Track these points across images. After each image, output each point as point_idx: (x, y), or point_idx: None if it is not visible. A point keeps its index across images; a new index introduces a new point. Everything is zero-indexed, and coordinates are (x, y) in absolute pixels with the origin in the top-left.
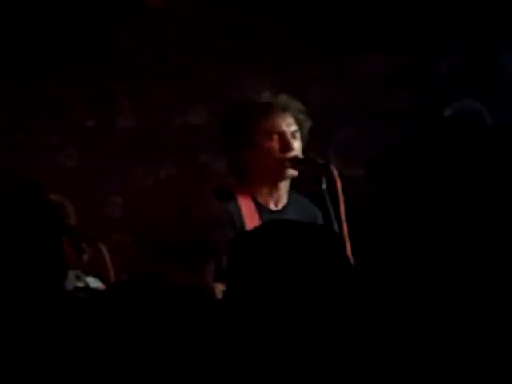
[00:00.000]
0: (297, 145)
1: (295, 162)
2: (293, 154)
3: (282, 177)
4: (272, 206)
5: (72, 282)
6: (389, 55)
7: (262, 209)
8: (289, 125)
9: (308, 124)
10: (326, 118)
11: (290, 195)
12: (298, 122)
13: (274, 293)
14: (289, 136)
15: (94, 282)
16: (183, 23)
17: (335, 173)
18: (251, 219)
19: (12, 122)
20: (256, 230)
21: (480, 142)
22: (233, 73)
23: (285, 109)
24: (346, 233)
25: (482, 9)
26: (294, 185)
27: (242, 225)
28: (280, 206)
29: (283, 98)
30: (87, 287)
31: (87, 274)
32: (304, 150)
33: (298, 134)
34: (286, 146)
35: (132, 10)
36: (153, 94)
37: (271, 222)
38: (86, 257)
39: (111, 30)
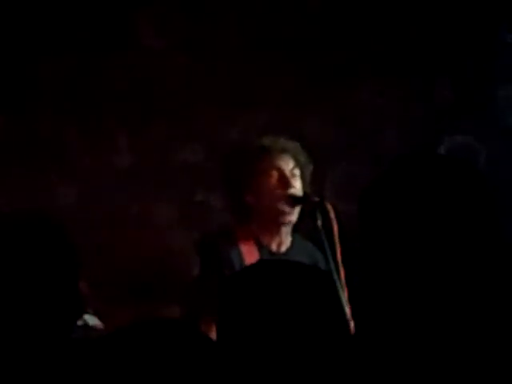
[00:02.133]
0: (296, 183)
1: (292, 200)
2: (292, 190)
3: (282, 222)
4: (274, 248)
5: None
6: (383, 91)
7: (263, 251)
8: (287, 164)
9: (309, 166)
10: (322, 154)
11: (293, 239)
12: (299, 164)
13: (263, 335)
14: (287, 173)
15: (91, 320)
16: (181, 62)
17: (330, 209)
18: (251, 261)
19: (9, 160)
20: (244, 271)
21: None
22: (229, 111)
23: (284, 150)
24: (342, 276)
25: (474, 43)
26: (296, 229)
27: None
28: (283, 249)
29: (283, 141)
30: (85, 325)
31: (85, 312)
32: (306, 191)
33: (297, 173)
34: (285, 183)
35: (130, 48)
36: (148, 132)
37: (261, 262)
38: (86, 296)
39: (109, 68)
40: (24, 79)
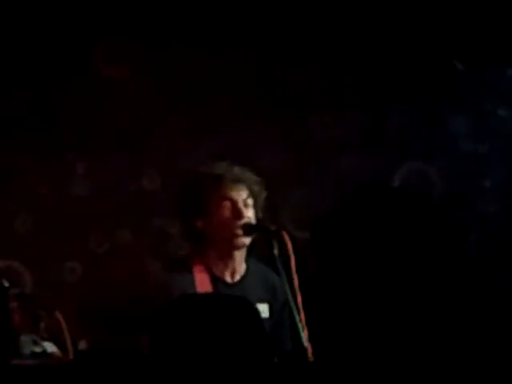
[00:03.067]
0: (249, 213)
1: (247, 229)
2: (244, 221)
3: (235, 246)
4: (228, 279)
5: (29, 346)
6: (339, 118)
7: (217, 282)
8: (240, 193)
9: (263, 194)
10: (276, 182)
11: (248, 264)
12: (252, 192)
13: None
14: (240, 204)
15: (49, 347)
16: (140, 90)
17: (286, 238)
18: (204, 291)
19: None
20: (176, 302)
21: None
22: (185, 139)
23: (237, 179)
24: (299, 302)
25: (427, 71)
26: (250, 252)
27: None
28: (237, 277)
29: (236, 170)
30: (44, 352)
31: (44, 339)
32: (259, 219)
33: (250, 202)
34: (237, 214)
35: (90, 77)
36: (106, 160)
37: (193, 296)
38: (42, 324)
39: (68, 97)
40: None
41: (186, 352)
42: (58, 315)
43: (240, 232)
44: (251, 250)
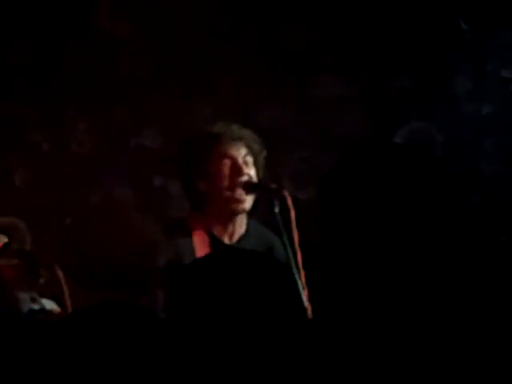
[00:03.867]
0: (249, 171)
1: (248, 187)
2: (244, 178)
3: (236, 210)
4: (226, 240)
5: (27, 304)
6: (340, 79)
7: (215, 242)
8: (240, 151)
9: (263, 153)
10: (277, 142)
11: (248, 225)
12: (252, 151)
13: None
14: (240, 162)
15: (48, 304)
16: (142, 48)
17: (288, 197)
18: (203, 253)
19: None
20: (195, 263)
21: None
22: (189, 94)
23: (237, 137)
24: (300, 261)
25: (430, 31)
26: (251, 214)
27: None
28: (235, 238)
29: (235, 128)
30: (42, 309)
31: (42, 296)
32: (260, 178)
33: (250, 160)
34: (237, 171)
35: (91, 35)
36: (107, 116)
37: (213, 254)
38: (42, 280)
39: (66, 53)
40: None
41: (215, 313)
42: (58, 271)
43: (240, 191)
44: (252, 212)
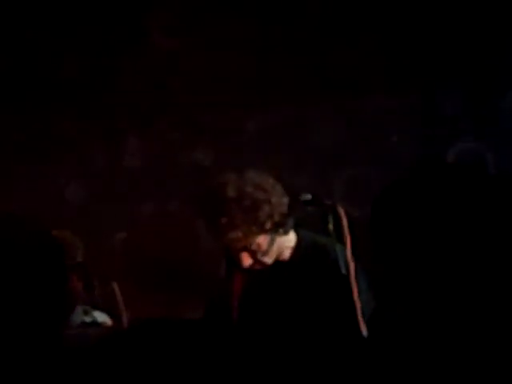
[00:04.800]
0: (248, 257)
1: (302, 203)
2: (244, 265)
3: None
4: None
5: (80, 316)
6: (391, 96)
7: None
8: (236, 243)
9: (271, 195)
10: (330, 159)
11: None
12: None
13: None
14: (238, 252)
15: (100, 317)
16: (193, 63)
17: (342, 213)
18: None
19: (22, 158)
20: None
21: (473, 190)
22: (236, 112)
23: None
24: (352, 273)
25: (482, 48)
26: (303, 225)
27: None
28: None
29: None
30: (94, 321)
31: (95, 308)
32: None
33: (252, 247)
34: (238, 260)
35: (143, 50)
36: (158, 131)
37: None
38: (96, 293)
39: (122, 70)
40: (40, 79)
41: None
42: (114, 285)
43: (259, 260)
44: (302, 224)
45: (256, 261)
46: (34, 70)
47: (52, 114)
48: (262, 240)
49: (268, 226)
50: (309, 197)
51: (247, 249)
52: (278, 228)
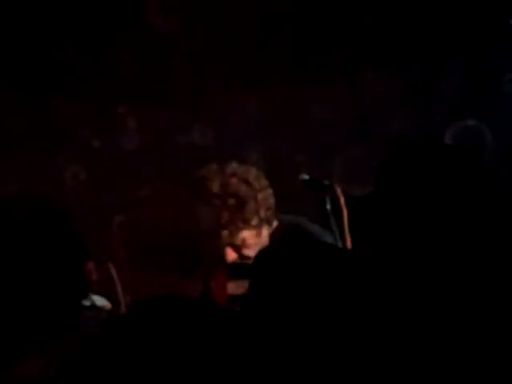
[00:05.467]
0: (233, 252)
1: (301, 183)
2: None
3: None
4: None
5: None
6: (390, 76)
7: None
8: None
9: (259, 189)
10: (328, 139)
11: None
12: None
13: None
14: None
15: (99, 301)
16: (191, 44)
17: (339, 193)
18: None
19: (20, 140)
20: (279, 247)
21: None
22: (239, 93)
23: None
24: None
25: (481, 28)
26: (300, 206)
27: None
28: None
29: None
30: (93, 305)
31: (93, 292)
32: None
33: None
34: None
35: (141, 32)
36: (157, 113)
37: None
38: (93, 276)
39: (119, 52)
40: (34, 64)
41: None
42: (111, 267)
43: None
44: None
45: (240, 255)
46: (31, 52)
47: (49, 97)
48: (248, 235)
49: (254, 222)
50: (306, 177)
51: (232, 244)
52: (264, 223)
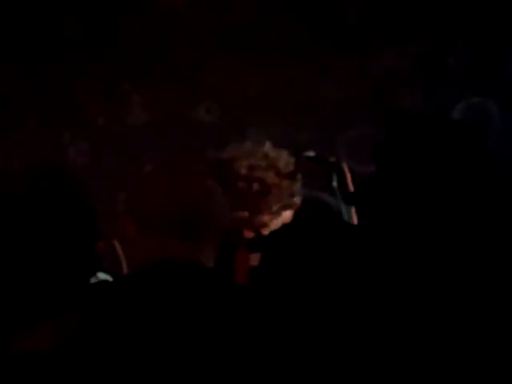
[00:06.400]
0: (251, 232)
1: (307, 160)
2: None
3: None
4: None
5: None
6: (400, 53)
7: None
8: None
9: (283, 176)
10: (337, 116)
11: None
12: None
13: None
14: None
15: (104, 277)
16: (195, 21)
17: (346, 169)
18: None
19: (23, 117)
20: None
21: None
22: (242, 69)
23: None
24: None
25: (491, 6)
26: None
27: None
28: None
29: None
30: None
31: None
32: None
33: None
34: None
35: (143, 8)
36: (161, 90)
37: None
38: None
39: (123, 28)
40: (41, 39)
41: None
42: (116, 244)
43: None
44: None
45: (258, 234)
46: (34, 29)
47: (53, 74)
48: (268, 219)
49: (275, 208)
50: (312, 153)
51: (251, 226)
52: (286, 209)
